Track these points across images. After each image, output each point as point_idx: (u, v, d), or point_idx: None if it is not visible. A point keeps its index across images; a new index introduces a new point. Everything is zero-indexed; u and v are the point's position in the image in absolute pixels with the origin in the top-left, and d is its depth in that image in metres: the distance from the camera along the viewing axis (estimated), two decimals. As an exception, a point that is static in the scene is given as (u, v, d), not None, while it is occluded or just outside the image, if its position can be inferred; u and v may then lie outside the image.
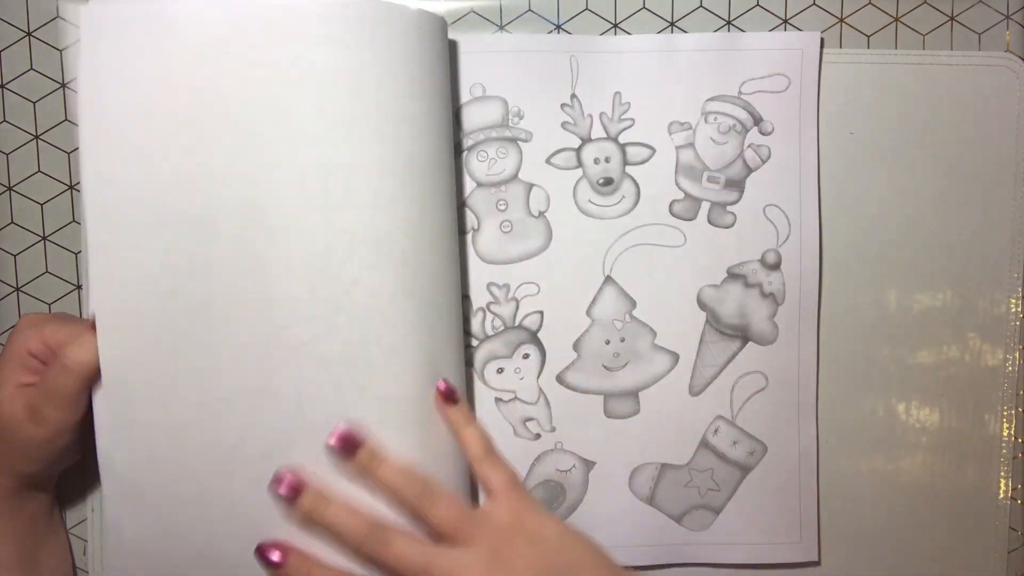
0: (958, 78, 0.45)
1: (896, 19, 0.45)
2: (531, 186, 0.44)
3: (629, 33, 0.45)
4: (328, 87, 0.36)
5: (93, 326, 0.37)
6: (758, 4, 0.45)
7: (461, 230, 0.44)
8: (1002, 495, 0.46)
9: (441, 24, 0.39)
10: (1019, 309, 0.46)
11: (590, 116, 0.44)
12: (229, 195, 0.36)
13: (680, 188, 0.44)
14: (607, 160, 0.44)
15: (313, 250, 0.36)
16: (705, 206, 0.45)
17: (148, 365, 0.37)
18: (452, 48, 0.43)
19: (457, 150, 0.44)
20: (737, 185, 0.44)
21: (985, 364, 0.46)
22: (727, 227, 0.45)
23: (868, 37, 0.45)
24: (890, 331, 0.46)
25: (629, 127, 0.44)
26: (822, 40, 0.44)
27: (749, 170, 0.44)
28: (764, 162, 0.44)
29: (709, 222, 0.45)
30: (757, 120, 0.44)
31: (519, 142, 0.44)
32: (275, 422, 0.37)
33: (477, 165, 0.44)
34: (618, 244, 0.44)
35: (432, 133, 0.38)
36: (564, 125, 0.44)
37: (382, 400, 0.37)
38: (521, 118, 0.44)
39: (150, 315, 0.37)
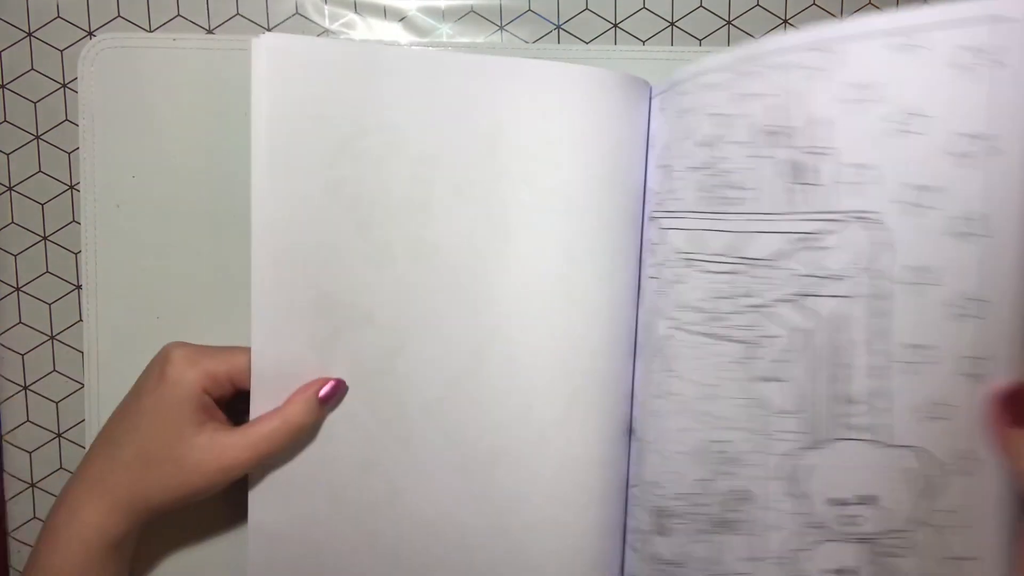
0: (959, 78, 0.44)
1: (896, 19, 0.45)
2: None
3: (629, 32, 0.45)
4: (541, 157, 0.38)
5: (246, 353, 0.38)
6: (758, 4, 0.45)
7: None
8: (1003, 495, 0.46)
9: (645, 88, 0.39)
10: (1020, 309, 0.45)
11: None
12: (399, 231, 0.38)
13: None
14: None
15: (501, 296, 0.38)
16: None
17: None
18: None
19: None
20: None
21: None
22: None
23: (868, 37, 0.45)
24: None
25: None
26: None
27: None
28: None
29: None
30: None
31: None
32: (410, 440, 0.39)
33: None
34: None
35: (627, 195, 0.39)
36: None
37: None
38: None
39: (312, 347, 0.38)
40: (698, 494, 0.34)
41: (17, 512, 0.45)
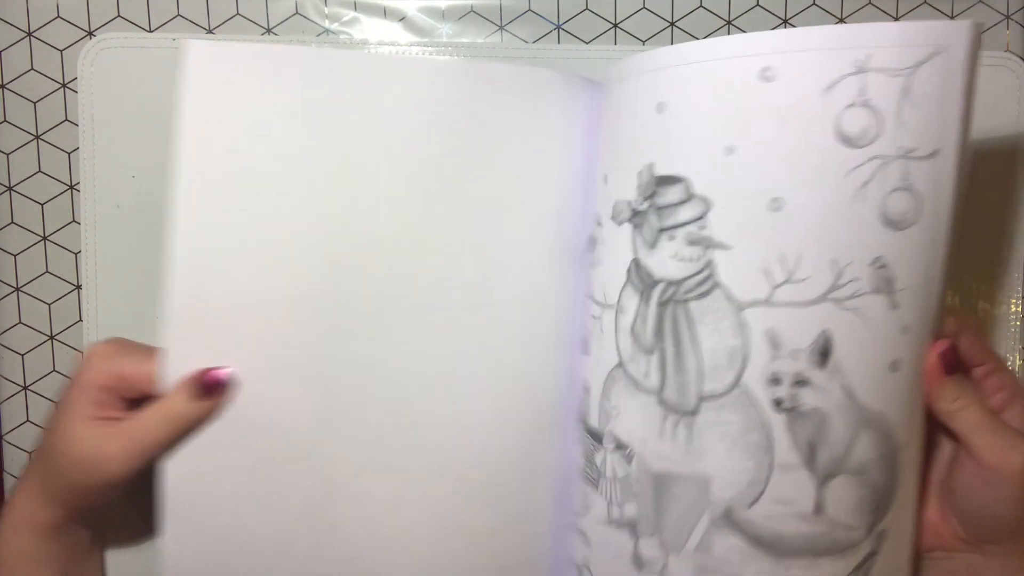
0: (958, 78, 0.44)
1: (896, 19, 0.45)
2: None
3: (629, 32, 0.45)
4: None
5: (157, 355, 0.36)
6: (758, 4, 0.45)
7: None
8: (1002, 495, 0.46)
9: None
10: (1019, 310, 0.46)
11: None
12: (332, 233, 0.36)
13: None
14: None
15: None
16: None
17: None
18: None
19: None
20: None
21: (985, 364, 0.46)
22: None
23: (868, 37, 0.45)
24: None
25: None
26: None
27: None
28: None
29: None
30: None
31: None
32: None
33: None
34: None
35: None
36: None
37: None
38: None
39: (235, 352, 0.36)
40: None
41: (17, 512, 0.45)
